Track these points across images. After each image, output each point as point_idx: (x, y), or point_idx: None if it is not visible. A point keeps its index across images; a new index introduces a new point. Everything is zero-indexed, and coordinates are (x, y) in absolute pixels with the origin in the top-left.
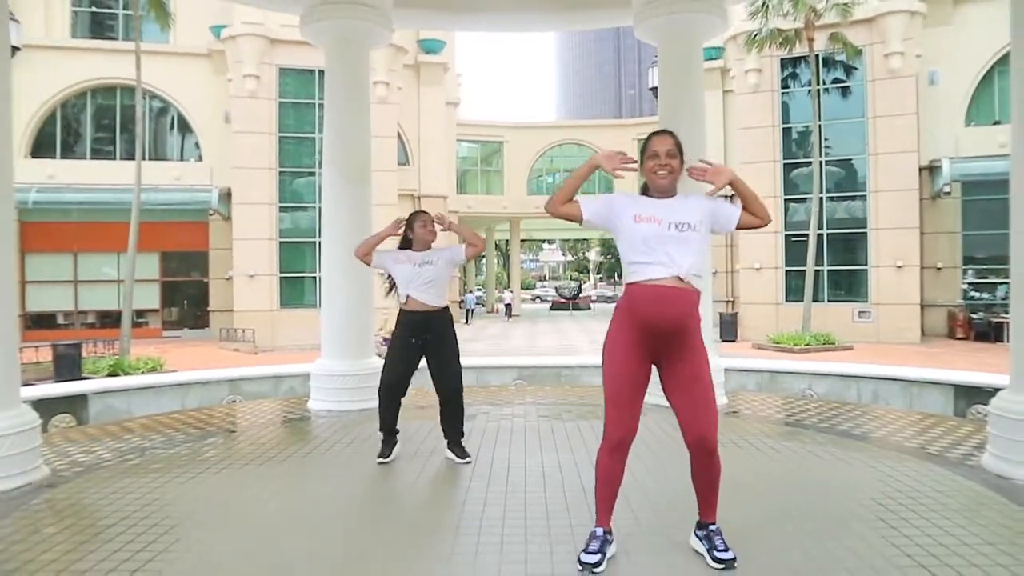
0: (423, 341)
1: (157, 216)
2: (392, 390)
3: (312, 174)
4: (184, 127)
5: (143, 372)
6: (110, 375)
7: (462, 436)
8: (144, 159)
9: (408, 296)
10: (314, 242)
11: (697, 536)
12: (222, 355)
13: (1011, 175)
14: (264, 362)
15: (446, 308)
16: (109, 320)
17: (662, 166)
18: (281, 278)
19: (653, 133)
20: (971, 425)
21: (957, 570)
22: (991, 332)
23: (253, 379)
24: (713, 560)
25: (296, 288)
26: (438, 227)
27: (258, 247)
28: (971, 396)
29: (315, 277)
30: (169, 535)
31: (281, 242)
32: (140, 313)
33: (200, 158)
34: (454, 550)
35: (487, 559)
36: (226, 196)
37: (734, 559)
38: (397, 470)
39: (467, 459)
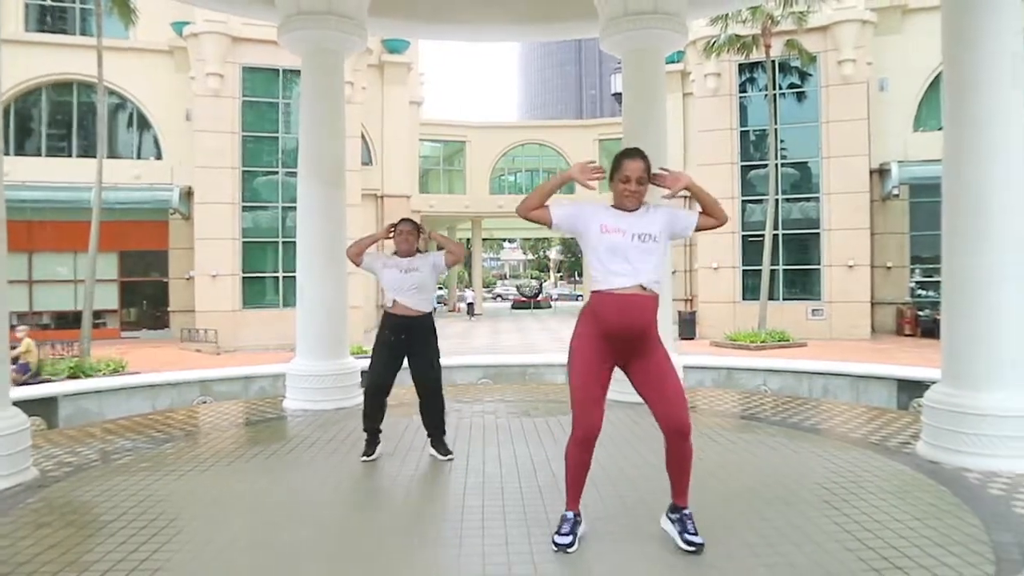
0: (406, 344)
1: (116, 215)
2: (377, 393)
3: (275, 173)
4: (143, 125)
5: (105, 374)
6: (70, 377)
7: (444, 432)
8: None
9: (394, 301)
10: (277, 242)
11: (669, 518)
12: (185, 356)
13: (943, 182)
14: (230, 363)
15: (429, 314)
16: (65, 321)
17: (632, 192)
18: (244, 278)
19: (626, 154)
20: (910, 416)
21: (887, 541)
22: (936, 329)
23: (224, 380)
24: (684, 543)
25: (259, 288)
26: (422, 235)
27: (220, 247)
28: (913, 390)
29: (278, 277)
30: (170, 527)
31: (244, 242)
32: (98, 314)
33: (160, 156)
34: (440, 535)
35: (471, 541)
36: (187, 195)
37: (703, 543)
38: (380, 465)
39: (450, 456)
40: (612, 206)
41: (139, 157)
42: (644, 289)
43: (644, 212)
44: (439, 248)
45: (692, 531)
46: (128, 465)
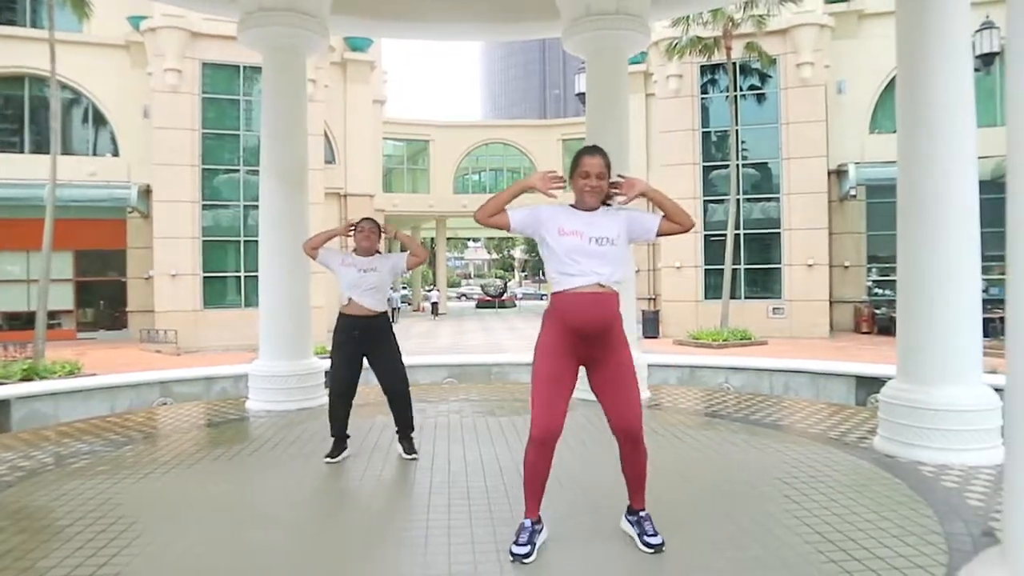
0: (363, 344)
1: (71, 213)
2: (342, 398)
3: (236, 171)
4: (99, 121)
5: (60, 376)
6: (24, 379)
7: (412, 428)
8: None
9: (350, 299)
10: (238, 241)
11: (628, 520)
12: (144, 357)
13: (897, 183)
14: (191, 364)
15: (384, 313)
16: (18, 322)
17: (592, 187)
18: (204, 278)
19: (584, 151)
20: (868, 412)
21: (846, 534)
22: (892, 326)
23: (184, 381)
24: (643, 544)
25: (220, 288)
26: (384, 235)
27: (180, 246)
28: (870, 386)
29: (239, 277)
30: (130, 531)
31: (204, 240)
32: (53, 314)
33: (116, 153)
34: (406, 534)
35: (437, 540)
36: (145, 193)
37: (662, 544)
38: (344, 465)
39: (414, 456)
40: (572, 205)
41: (95, 154)
42: (602, 287)
43: (604, 213)
44: (403, 249)
45: (651, 532)
46: (85, 469)
